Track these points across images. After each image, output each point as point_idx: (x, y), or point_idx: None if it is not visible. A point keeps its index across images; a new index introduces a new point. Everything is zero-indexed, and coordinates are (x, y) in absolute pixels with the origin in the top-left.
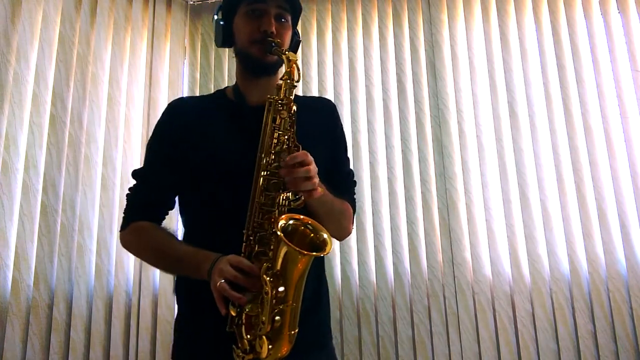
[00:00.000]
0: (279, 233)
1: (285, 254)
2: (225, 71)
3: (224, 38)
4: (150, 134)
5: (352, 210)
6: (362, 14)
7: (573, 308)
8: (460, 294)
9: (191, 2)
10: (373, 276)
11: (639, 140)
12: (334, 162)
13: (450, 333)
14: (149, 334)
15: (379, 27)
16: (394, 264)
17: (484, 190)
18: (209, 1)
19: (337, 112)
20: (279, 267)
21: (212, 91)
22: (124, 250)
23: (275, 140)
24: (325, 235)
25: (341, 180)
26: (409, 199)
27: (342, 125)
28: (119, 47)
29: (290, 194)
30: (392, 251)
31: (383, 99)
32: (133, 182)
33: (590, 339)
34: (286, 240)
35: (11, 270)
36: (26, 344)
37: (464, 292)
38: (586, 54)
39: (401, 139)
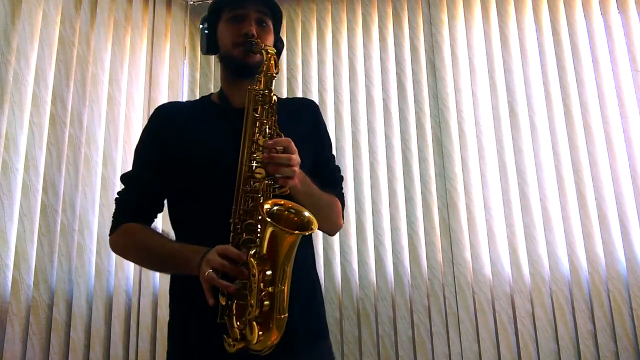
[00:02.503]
0: (263, 215)
1: (271, 236)
2: None
3: (209, 45)
4: None
5: (340, 205)
6: (362, 14)
7: (573, 308)
8: (460, 294)
9: (191, 2)
10: (373, 276)
11: (639, 140)
12: (319, 159)
13: (450, 333)
14: (149, 334)
15: (379, 27)
16: (394, 264)
17: (484, 190)
18: (209, 1)
19: (319, 111)
20: (265, 250)
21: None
22: None
23: (257, 129)
24: (308, 215)
25: (327, 175)
26: (409, 199)
27: (324, 123)
28: (119, 47)
29: (274, 181)
30: (392, 251)
31: (383, 99)
32: (122, 186)
33: (590, 339)
34: (271, 221)
35: (11, 270)
36: (26, 344)
37: (464, 292)
38: (586, 54)
39: (401, 139)
